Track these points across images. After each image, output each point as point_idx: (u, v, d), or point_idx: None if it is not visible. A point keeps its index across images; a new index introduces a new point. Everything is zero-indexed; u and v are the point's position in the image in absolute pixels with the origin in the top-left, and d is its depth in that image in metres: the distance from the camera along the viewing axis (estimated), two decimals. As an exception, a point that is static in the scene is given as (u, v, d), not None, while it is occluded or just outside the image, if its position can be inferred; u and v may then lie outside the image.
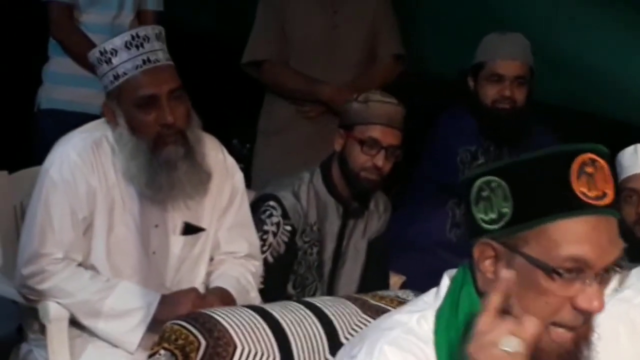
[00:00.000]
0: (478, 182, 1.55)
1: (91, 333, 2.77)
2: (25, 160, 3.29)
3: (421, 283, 2.50)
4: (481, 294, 1.56)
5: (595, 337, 1.54)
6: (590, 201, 1.50)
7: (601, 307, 1.50)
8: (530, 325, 1.43)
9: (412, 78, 3.98)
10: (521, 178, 1.52)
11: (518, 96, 3.59)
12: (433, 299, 1.63)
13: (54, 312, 2.74)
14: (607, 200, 1.52)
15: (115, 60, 2.72)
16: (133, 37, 2.72)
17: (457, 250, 3.57)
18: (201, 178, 2.82)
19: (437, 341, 1.57)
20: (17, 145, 3.89)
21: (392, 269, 3.45)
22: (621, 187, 3.05)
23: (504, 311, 1.50)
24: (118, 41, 2.73)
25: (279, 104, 4.03)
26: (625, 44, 4.08)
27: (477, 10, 4.37)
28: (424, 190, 3.76)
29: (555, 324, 1.51)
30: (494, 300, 1.46)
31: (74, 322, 2.77)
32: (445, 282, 1.63)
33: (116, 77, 2.73)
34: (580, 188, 1.50)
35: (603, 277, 1.51)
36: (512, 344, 1.43)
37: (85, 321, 2.75)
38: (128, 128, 2.75)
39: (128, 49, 2.72)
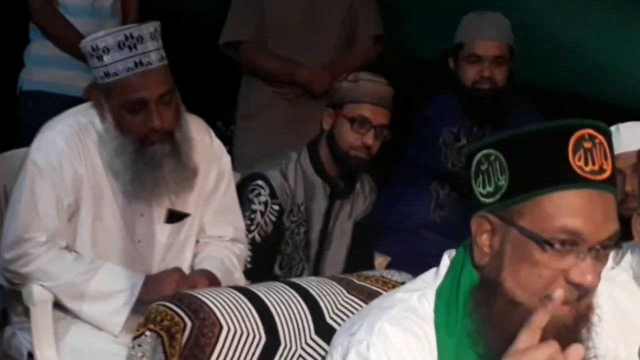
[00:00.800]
0: (478, 156, 1.56)
1: (75, 315, 2.76)
2: (8, 143, 3.27)
3: (406, 264, 2.50)
4: (478, 268, 1.56)
5: (595, 319, 1.55)
6: (586, 175, 1.50)
7: (595, 282, 1.50)
8: (574, 356, 1.42)
9: (397, 61, 3.97)
10: (518, 150, 1.52)
11: (498, 76, 3.59)
12: (433, 278, 1.63)
13: (38, 295, 2.73)
14: (604, 175, 1.51)
15: (106, 59, 2.69)
16: (127, 37, 2.68)
17: (441, 231, 3.58)
18: (186, 175, 2.81)
19: (437, 320, 1.57)
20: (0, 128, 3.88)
21: (377, 249, 3.46)
22: None
23: (493, 286, 1.51)
24: (111, 40, 2.69)
25: (257, 87, 4.02)
26: (614, 25, 4.08)
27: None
28: (407, 172, 3.76)
29: (550, 297, 1.49)
30: (540, 319, 1.45)
31: (57, 305, 2.76)
32: (445, 261, 1.63)
33: (107, 74, 2.71)
34: (577, 162, 1.50)
35: (599, 252, 1.51)
36: None
37: (69, 304, 2.74)
38: (115, 125, 2.73)
39: (121, 49, 2.68)
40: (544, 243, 1.49)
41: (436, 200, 3.70)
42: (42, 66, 3.85)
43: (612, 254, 1.56)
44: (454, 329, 1.55)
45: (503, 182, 1.52)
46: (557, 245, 1.49)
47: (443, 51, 3.73)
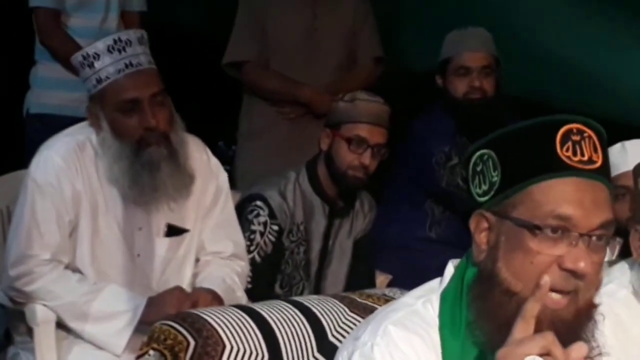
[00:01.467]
0: (473, 158, 1.59)
1: (78, 335, 2.77)
2: (14, 165, 3.29)
3: (407, 281, 2.51)
4: (475, 265, 1.58)
5: (599, 318, 1.56)
6: (574, 164, 1.53)
7: (588, 269, 1.51)
8: (576, 354, 1.43)
9: (394, 77, 4.00)
10: (508, 146, 1.56)
11: (487, 86, 3.67)
12: (437, 285, 1.64)
13: (41, 315, 2.75)
14: (594, 166, 1.54)
15: (97, 64, 2.74)
16: (115, 41, 2.73)
17: (439, 246, 3.59)
18: (184, 180, 2.83)
19: (442, 321, 1.59)
20: (5, 150, 3.89)
21: (378, 268, 3.47)
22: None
23: (490, 277, 1.53)
24: (100, 45, 2.74)
25: (258, 106, 4.05)
26: (609, 40, 4.11)
27: (458, 8, 4.41)
28: (400, 190, 3.78)
29: (538, 285, 1.51)
30: (531, 308, 1.47)
31: (60, 325, 2.77)
32: (450, 269, 1.65)
33: (99, 80, 2.74)
34: (565, 152, 1.53)
35: (591, 240, 1.52)
36: None
37: (71, 324, 2.75)
38: (111, 131, 2.76)
39: (110, 53, 2.73)
40: (535, 228, 1.51)
41: (432, 218, 3.73)
42: (49, 89, 3.87)
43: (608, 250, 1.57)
44: (458, 331, 1.57)
45: (496, 178, 1.55)
46: (548, 231, 1.51)
47: (429, 69, 3.77)
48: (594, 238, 1.52)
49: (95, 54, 2.74)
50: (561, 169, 1.52)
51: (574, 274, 1.51)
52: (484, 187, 1.57)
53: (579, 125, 1.55)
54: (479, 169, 1.58)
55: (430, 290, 1.64)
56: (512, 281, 1.52)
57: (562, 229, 1.51)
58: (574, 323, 1.53)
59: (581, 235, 1.51)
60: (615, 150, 3.08)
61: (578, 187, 1.52)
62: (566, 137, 1.53)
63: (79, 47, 3.73)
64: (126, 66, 2.72)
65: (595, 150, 1.55)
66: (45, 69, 3.87)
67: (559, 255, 1.51)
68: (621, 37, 4.09)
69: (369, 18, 4.09)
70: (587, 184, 1.53)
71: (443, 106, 3.71)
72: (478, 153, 1.58)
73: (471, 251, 1.62)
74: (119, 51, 2.73)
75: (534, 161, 1.53)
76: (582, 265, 1.50)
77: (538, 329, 1.47)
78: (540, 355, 1.42)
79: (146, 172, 2.76)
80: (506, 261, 1.53)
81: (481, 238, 1.57)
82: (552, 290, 1.51)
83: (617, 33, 4.10)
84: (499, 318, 1.52)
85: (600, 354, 1.57)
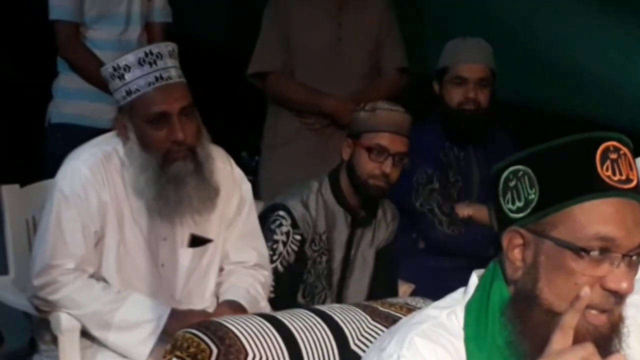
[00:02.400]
0: (505, 173, 1.59)
1: (102, 344, 2.79)
2: (37, 174, 3.32)
3: (430, 291, 2.51)
4: (509, 282, 1.58)
5: (625, 330, 1.57)
6: (614, 184, 1.54)
7: (630, 289, 1.52)
8: None
9: (417, 84, 4.02)
10: (547, 164, 1.55)
11: (482, 98, 3.69)
12: (462, 296, 1.65)
13: (66, 323, 2.77)
14: (631, 185, 1.55)
15: (128, 77, 2.75)
16: (146, 54, 2.75)
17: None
18: (209, 194, 2.84)
19: (467, 333, 1.59)
20: (29, 160, 3.93)
21: (401, 277, 3.47)
22: None
23: (529, 297, 1.53)
24: (131, 57, 2.76)
25: (283, 117, 4.06)
26: (615, 45, 4.13)
27: (478, 21, 4.43)
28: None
29: (588, 306, 1.52)
30: (570, 319, 1.48)
31: (84, 333, 2.79)
32: (474, 280, 1.64)
33: (129, 92, 2.76)
34: (605, 172, 1.54)
35: (631, 260, 1.53)
36: None
37: (95, 332, 2.77)
38: (139, 143, 2.78)
39: (141, 65, 2.74)
40: (580, 251, 1.52)
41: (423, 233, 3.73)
42: (70, 99, 3.90)
43: None
44: (484, 343, 1.57)
45: (533, 195, 1.55)
46: (593, 253, 1.52)
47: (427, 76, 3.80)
48: (634, 257, 1.53)
49: (126, 65, 2.76)
50: (603, 189, 1.53)
51: (615, 293, 1.53)
52: (519, 204, 1.56)
53: (615, 143, 1.56)
54: (512, 184, 1.57)
55: (454, 301, 1.64)
56: (555, 301, 1.53)
57: (605, 249, 1.52)
58: (609, 337, 1.54)
59: (623, 256, 1.52)
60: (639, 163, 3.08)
61: (619, 208, 1.53)
62: (605, 155, 1.54)
63: (98, 60, 3.79)
64: (156, 79, 2.74)
65: (631, 169, 1.56)
66: (67, 80, 3.90)
67: (602, 276, 1.52)
68: (628, 42, 4.10)
69: (394, 28, 4.10)
70: (627, 204, 1.54)
71: (437, 115, 3.74)
72: (511, 169, 1.58)
73: (496, 263, 1.62)
74: (150, 64, 2.75)
75: (575, 181, 1.53)
76: (624, 285, 1.52)
77: (575, 342, 1.48)
78: None
79: (171, 186, 2.77)
80: (548, 281, 1.54)
81: (515, 255, 1.57)
82: (591, 307, 1.53)
83: (623, 38, 4.11)
84: (541, 338, 1.52)
85: None
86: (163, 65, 2.76)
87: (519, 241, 1.57)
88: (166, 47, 2.79)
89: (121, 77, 2.76)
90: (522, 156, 1.58)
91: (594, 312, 1.53)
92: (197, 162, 2.80)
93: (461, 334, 1.59)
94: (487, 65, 3.72)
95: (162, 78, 2.75)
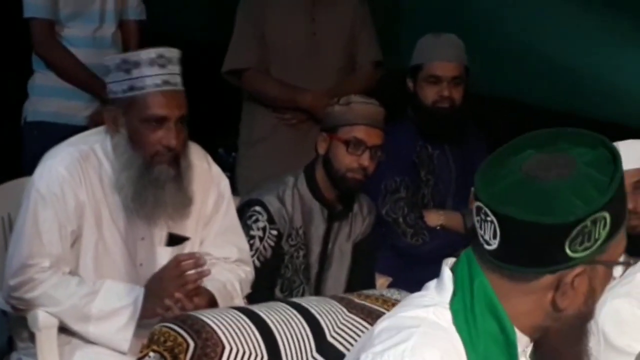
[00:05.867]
0: (587, 222, 1.55)
1: (80, 339, 2.79)
2: (13, 172, 3.31)
3: (407, 284, 2.52)
4: (560, 310, 1.60)
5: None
6: None
7: None
8: None
9: (391, 77, 4.03)
10: (618, 204, 1.57)
11: (456, 95, 3.71)
12: (437, 292, 1.63)
13: (43, 320, 2.76)
14: None
15: (135, 72, 2.74)
16: (159, 56, 2.75)
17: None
18: (184, 202, 2.85)
19: (462, 336, 1.59)
20: (4, 158, 3.91)
21: (378, 270, 3.48)
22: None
23: (587, 320, 1.62)
24: (144, 56, 2.76)
25: (259, 113, 4.06)
26: (604, 42, 4.16)
27: (456, 9, 4.44)
28: None
29: None
30: None
31: (62, 330, 2.79)
32: (447, 273, 1.64)
33: (132, 88, 2.75)
34: None
35: None
36: None
37: (75, 327, 2.77)
38: (128, 138, 2.78)
39: (151, 65, 2.74)
40: (621, 265, 1.64)
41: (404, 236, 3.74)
42: (46, 97, 3.89)
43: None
44: (478, 344, 1.58)
45: (603, 234, 1.56)
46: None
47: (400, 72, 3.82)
48: None
49: (136, 62, 2.75)
50: None
51: None
52: (587, 244, 1.55)
53: None
54: (587, 230, 1.55)
55: (432, 298, 1.63)
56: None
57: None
58: None
59: None
60: None
61: None
62: None
63: (73, 58, 3.80)
64: (164, 82, 2.75)
65: None
66: (42, 78, 3.89)
67: None
68: (617, 38, 4.13)
69: (368, 22, 4.10)
70: None
71: (411, 113, 3.75)
72: (594, 216, 1.54)
73: (470, 256, 1.61)
74: (160, 66, 2.75)
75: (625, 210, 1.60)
76: None
77: None
78: None
79: (151, 189, 2.78)
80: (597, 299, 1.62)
81: (575, 287, 1.58)
82: None
83: (612, 34, 4.14)
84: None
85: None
86: (172, 70, 2.77)
87: (577, 273, 1.58)
88: (176, 54, 2.80)
89: (127, 70, 2.75)
90: (604, 203, 1.55)
91: None
92: (178, 170, 2.81)
93: (454, 329, 1.59)
94: (461, 62, 3.73)
95: (169, 83, 2.76)
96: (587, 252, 1.56)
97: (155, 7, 4.17)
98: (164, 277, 2.79)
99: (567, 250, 1.54)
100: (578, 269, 1.57)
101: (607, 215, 1.54)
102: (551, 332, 1.60)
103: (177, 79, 2.78)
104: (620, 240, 1.59)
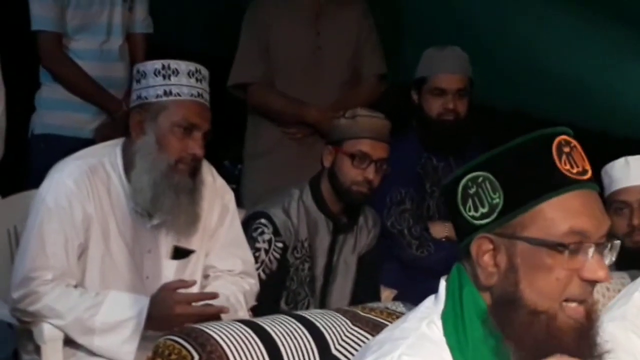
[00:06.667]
0: (463, 181, 1.59)
1: (85, 352, 2.79)
2: (19, 185, 3.32)
3: (412, 296, 2.52)
4: (483, 289, 1.60)
5: (600, 309, 1.61)
6: (575, 177, 1.56)
7: (607, 276, 1.56)
8: None
9: (398, 93, 4.04)
10: (506, 167, 1.57)
11: (460, 108, 3.73)
12: (433, 304, 1.65)
13: (48, 333, 2.77)
14: (588, 175, 1.58)
15: (173, 79, 2.80)
16: (196, 70, 2.84)
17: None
18: (194, 217, 2.88)
19: (450, 344, 1.59)
20: (11, 170, 3.92)
21: (383, 283, 3.49)
22: (610, 200, 3.08)
23: (512, 301, 1.55)
24: (183, 66, 2.83)
25: (264, 127, 4.07)
26: (599, 53, 4.17)
27: (457, 29, 4.46)
28: None
29: (567, 299, 1.56)
30: None
31: (67, 342, 2.79)
32: (443, 284, 1.65)
33: (168, 93, 2.81)
34: (564, 166, 1.56)
35: (602, 247, 1.57)
36: None
37: (80, 340, 2.77)
38: (155, 140, 2.81)
39: (189, 77, 2.82)
40: (557, 246, 1.54)
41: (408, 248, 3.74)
42: (53, 109, 3.91)
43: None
44: (466, 350, 1.58)
45: (498, 200, 1.56)
46: (571, 247, 1.54)
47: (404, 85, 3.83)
48: (604, 245, 1.57)
49: (176, 70, 2.81)
50: (566, 184, 1.55)
51: (592, 283, 1.56)
52: (483, 210, 1.57)
53: (565, 137, 1.59)
54: (472, 191, 1.58)
55: (428, 310, 1.65)
56: (539, 300, 1.55)
57: (578, 242, 1.55)
58: (589, 326, 1.57)
59: (597, 245, 1.55)
60: (618, 165, 3.10)
61: (585, 200, 1.56)
62: (560, 150, 1.57)
63: (81, 71, 3.81)
64: (199, 95, 2.83)
65: (583, 160, 1.59)
66: (49, 91, 3.91)
67: (578, 268, 1.55)
68: (619, 51, 4.14)
69: (372, 35, 4.12)
70: (590, 195, 1.58)
71: (416, 125, 3.76)
72: (469, 176, 1.58)
73: (461, 268, 1.63)
74: (197, 80, 2.83)
75: (539, 179, 1.55)
76: (601, 274, 1.55)
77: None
78: None
79: (169, 193, 2.80)
80: (529, 282, 1.55)
81: (486, 261, 1.58)
82: (572, 300, 1.56)
83: (618, 47, 4.15)
84: (528, 339, 1.55)
85: (608, 351, 1.60)
86: (204, 87, 2.86)
87: (489, 247, 1.58)
88: (207, 74, 2.88)
89: (166, 76, 2.80)
90: (479, 162, 1.59)
91: (573, 304, 1.55)
92: (194, 184, 2.85)
93: (443, 341, 1.60)
94: (465, 74, 3.75)
95: (202, 96, 2.84)
96: (488, 219, 1.56)
97: (161, 20, 4.19)
98: (167, 297, 2.77)
99: (466, 216, 1.58)
100: (487, 242, 1.56)
101: (489, 175, 1.56)
102: (511, 324, 1.57)
103: (207, 96, 2.86)
104: (548, 218, 1.54)
